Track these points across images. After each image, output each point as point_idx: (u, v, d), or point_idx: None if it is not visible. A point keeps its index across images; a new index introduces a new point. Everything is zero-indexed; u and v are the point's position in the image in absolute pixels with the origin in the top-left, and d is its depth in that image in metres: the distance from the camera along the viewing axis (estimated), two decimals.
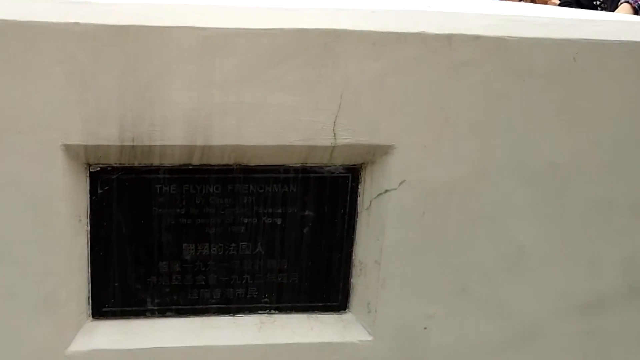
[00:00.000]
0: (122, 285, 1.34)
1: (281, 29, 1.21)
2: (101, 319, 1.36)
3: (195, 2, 1.26)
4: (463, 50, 1.26)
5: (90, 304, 1.35)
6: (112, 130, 1.22)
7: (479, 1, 1.63)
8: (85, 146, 1.23)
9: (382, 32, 1.23)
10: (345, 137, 1.27)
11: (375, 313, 1.39)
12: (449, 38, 1.25)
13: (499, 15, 1.33)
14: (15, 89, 1.17)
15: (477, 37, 1.26)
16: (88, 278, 1.33)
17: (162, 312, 1.38)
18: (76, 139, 1.21)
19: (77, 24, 1.16)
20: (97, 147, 1.23)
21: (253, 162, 1.30)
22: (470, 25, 1.27)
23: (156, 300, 1.37)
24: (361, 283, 1.41)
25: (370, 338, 1.41)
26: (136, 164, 1.28)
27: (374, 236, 1.36)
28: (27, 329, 1.29)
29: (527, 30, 1.29)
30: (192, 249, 1.35)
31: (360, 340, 1.41)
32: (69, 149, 1.22)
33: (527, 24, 1.31)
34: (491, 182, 1.35)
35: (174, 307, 1.38)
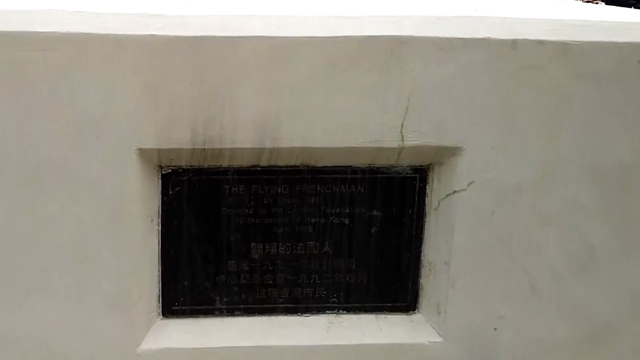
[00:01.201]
0: (191, 284, 1.40)
1: (348, 37, 1.25)
2: (171, 318, 1.42)
3: (264, 12, 1.31)
4: (527, 54, 1.29)
5: (161, 302, 1.40)
6: (184, 134, 1.27)
7: (542, 3, 1.62)
8: (159, 150, 1.29)
9: (448, 38, 1.27)
10: (413, 139, 1.30)
11: (445, 314, 1.41)
12: (514, 43, 1.28)
13: (562, 19, 1.35)
14: (94, 96, 1.24)
15: (541, 42, 1.29)
16: (159, 277, 1.39)
17: (231, 311, 1.43)
18: (150, 143, 1.28)
19: (153, 35, 1.23)
20: (170, 150, 1.29)
21: (320, 163, 1.34)
22: (534, 30, 1.30)
23: (225, 299, 1.42)
24: (430, 283, 1.43)
25: (440, 339, 1.43)
26: (206, 165, 1.33)
27: (443, 236, 1.38)
28: (99, 327, 1.36)
29: (590, 34, 1.31)
30: (260, 249, 1.39)
31: (430, 342, 1.44)
32: (143, 153, 1.28)
33: (589, 27, 1.33)
34: (559, 182, 1.35)
35: (242, 306, 1.43)
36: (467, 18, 1.32)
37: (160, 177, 1.34)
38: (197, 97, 1.26)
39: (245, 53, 1.24)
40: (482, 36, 1.28)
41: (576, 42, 1.29)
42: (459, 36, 1.27)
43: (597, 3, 6.56)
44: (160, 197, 1.35)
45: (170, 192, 1.35)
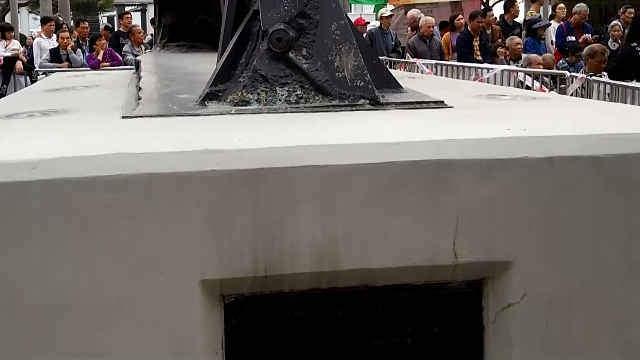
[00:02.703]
0: None
1: (395, 162, 1.37)
2: None
3: (316, 141, 1.43)
4: (563, 170, 1.41)
5: None
6: (245, 263, 1.36)
7: (576, 117, 1.77)
8: (221, 280, 1.37)
9: (488, 160, 1.39)
10: (465, 256, 1.39)
11: None
12: (549, 160, 1.40)
13: (594, 134, 1.48)
14: (159, 233, 1.34)
15: (575, 158, 1.41)
16: None
17: None
18: (213, 274, 1.36)
19: (213, 171, 1.34)
20: (232, 279, 1.38)
21: (379, 283, 1.42)
22: (568, 147, 1.42)
23: None
24: None
25: None
26: (267, 291, 1.41)
27: (501, 349, 1.44)
28: None
29: (623, 147, 1.43)
30: None
31: None
32: (205, 284, 1.36)
33: (621, 141, 1.45)
34: (608, 288, 1.43)
35: None
36: (503, 139, 1.44)
37: (222, 307, 1.41)
38: (257, 226, 1.35)
39: (300, 182, 1.35)
40: (519, 156, 1.40)
41: (608, 155, 1.41)
42: (497, 157, 1.40)
43: (600, 76, 6.90)
44: (223, 327, 1.41)
45: (233, 322, 1.41)
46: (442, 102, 1.89)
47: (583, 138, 1.46)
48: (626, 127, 1.58)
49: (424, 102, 1.90)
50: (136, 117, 1.82)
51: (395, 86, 2.10)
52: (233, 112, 1.83)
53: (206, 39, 3.87)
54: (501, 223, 1.40)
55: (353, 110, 1.83)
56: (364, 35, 12.52)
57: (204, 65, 2.67)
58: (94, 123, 1.80)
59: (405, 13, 14.98)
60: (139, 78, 2.70)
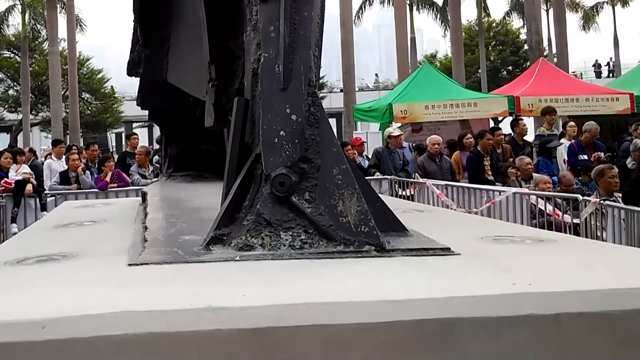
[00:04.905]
0: None
1: (399, 322, 1.41)
2: None
3: (321, 298, 1.48)
4: (570, 326, 1.44)
5: None
6: None
7: (583, 268, 1.81)
8: None
9: (495, 317, 1.42)
10: None
11: None
12: (556, 317, 1.44)
13: (601, 290, 1.52)
14: None
15: (581, 314, 1.45)
16: None
17: None
18: None
19: (218, 330, 1.38)
20: None
21: None
22: (574, 303, 1.46)
23: None
24: None
25: None
26: None
27: None
28: None
29: (631, 303, 1.47)
30: None
31: None
32: None
33: (630, 296, 1.49)
34: None
35: None
36: (509, 296, 1.48)
37: None
38: None
39: (305, 341, 1.39)
40: (525, 313, 1.43)
41: (616, 311, 1.44)
42: (504, 314, 1.43)
43: (614, 200, 6.96)
44: None
45: None
46: (449, 248, 1.95)
47: (589, 293, 1.50)
48: (636, 280, 1.62)
49: (430, 249, 1.95)
50: (142, 264, 1.88)
51: (400, 229, 2.16)
52: (237, 258, 1.88)
53: (211, 168, 4.02)
54: None
55: (358, 256, 1.88)
56: (372, 154, 12.81)
57: (209, 198, 2.75)
58: (101, 272, 1.85)
59: (412, 131, 15.41)
60: (145, 214, 2.79)
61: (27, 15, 32.64)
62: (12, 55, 37.35)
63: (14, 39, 35.06)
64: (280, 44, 2.08)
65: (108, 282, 1.72)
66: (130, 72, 4.45)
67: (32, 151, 14.86)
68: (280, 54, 2.07)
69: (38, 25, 33.15)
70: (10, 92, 38.23)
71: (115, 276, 1.78)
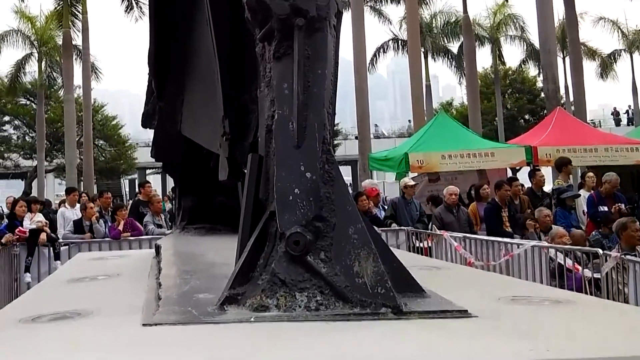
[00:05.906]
0: None
1: None
2: None
3: None
4: None
5: None
6: None
7: (602, 332, 1.81)
8: None
9: None
10: None
11: None
12: None
13: (619, 357, 1.51)
14: None
15: None
16: None
17: None
18: None
19: None
20: None
21: None
22: None
23: None
24: None
25: None
26: None
27: None
28: None
29: None
30: None
31: None
32: None
33: None
34: None
35: None
36: None
37: None
38: None
39: None
40: None
41: None
42: None
43: (635, 255, 6.86)
44: None
45: None
46: (466, 311, 1.94)
47: None
48: None
49: (448, 312, 1.95)
50: (156, 324, 1.88)
51: (417, 289, 2.15)
52: (252, 319, 1.87)
53: (225, 221, 4.03)
54: None
55: (375, 319, 1.87)
56: (388, 204, 12.75)
57: (223, 252, 2.75)
58: (115, 332, 1.87)
59: (429, 180, 15.38)
60: (159, 270, 2.80)
61: (43, 63, 33.30)
62: (28, 102, 38.02)
63: (30, 86, 35.71)
64: (294, 102, 2.11)
65: (123, 344, 1.73)
66: (145, 124, 4.52)
67: (45, 203, 14.79)
68: (294, 111, 2.10)
69: (54, 73, 33.78)
70: (27, 138, 38.78)
71: (129, 337, 1.79)
